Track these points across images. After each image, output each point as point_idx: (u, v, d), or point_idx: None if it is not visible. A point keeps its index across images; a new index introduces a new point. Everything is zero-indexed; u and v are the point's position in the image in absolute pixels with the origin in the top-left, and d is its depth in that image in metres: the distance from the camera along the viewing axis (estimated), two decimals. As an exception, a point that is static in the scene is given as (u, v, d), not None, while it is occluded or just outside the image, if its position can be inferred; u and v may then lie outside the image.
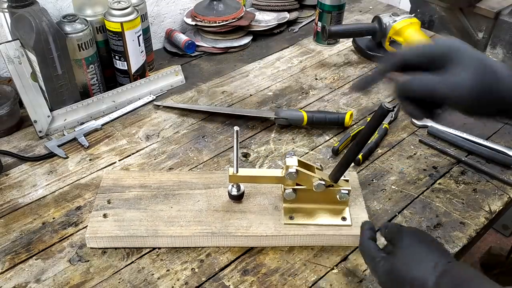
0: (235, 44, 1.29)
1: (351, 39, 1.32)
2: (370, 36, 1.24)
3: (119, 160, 0.93)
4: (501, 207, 0.84)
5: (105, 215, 0.78)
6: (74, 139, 0.98)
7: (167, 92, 1.13)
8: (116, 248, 0.76)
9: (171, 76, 1.15)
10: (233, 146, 0.96)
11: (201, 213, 0.79)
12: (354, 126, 1.02)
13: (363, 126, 0.94)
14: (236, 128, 0.72)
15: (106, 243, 0.75)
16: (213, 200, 0.81)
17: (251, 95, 1.13)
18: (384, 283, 0.62)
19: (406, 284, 0.57)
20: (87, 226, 0.77)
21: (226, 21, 1.25)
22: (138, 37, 1.06)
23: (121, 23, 1.02)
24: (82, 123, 1.02)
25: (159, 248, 0.76)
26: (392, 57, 0.60)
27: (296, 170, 0.73)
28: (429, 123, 1.01)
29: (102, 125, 1.02)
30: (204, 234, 0.75)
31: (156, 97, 1.11)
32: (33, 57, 0.92)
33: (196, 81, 1.18)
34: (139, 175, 0.86)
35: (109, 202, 0.80)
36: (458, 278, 0.53)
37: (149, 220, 0.77)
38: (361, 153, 0.91)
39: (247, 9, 1.38)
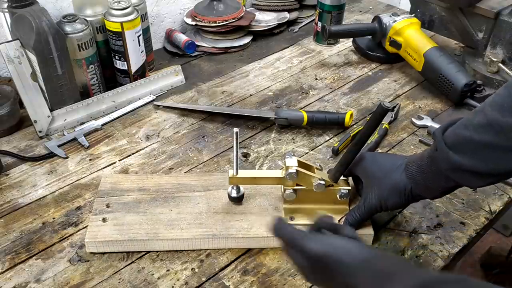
0: (235, 44, 1.29)
1: (351, 39, 1.32)
2: (370, 36, 1.24)
3: (119, 160, 0.93)
4: (501, 207, 0.84)
5: (104, 220, 0.77)
6: (74, 139, 0.98)
7: (167, 92, 1.13)
8: (116, 248, 0.76)
9: (171, 76, 1.15)
10: (233, 146, 0.97)
11: (201, 216, 0.78)
12: (354, 126, 1.02)
13: (363, 126, 0.94)
14: (235, 129, 0.71)
15: (106, 248, 0.74)
16: (213, 202, 0.81)
17: (251, 95, 1.13)
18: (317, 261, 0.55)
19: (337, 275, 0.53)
20: (87, 226, 0.77)
21: (226, 21, 1.25)
22: (138, 37, 1.06)
23: (121, 23, 1.02)
24: (82, 123, 1.02)
25: (159, 248, 0.76)
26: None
27: (296, 170, 0.73)
28: (429, 123, 1.01)
29: (102, 125, 1.02)
30: (205, 236, 0.75)
31: (156, 97, 1.11)
32: (33, 57, 0.92)
33: (196, 81, 1.18)
34: (137, 178, 0.85)
35: (107, 206, 0.79)
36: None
37: (149, 224, 0.77)
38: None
39: (247, 9, 1.38)
